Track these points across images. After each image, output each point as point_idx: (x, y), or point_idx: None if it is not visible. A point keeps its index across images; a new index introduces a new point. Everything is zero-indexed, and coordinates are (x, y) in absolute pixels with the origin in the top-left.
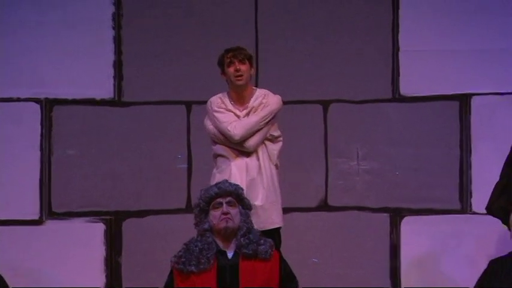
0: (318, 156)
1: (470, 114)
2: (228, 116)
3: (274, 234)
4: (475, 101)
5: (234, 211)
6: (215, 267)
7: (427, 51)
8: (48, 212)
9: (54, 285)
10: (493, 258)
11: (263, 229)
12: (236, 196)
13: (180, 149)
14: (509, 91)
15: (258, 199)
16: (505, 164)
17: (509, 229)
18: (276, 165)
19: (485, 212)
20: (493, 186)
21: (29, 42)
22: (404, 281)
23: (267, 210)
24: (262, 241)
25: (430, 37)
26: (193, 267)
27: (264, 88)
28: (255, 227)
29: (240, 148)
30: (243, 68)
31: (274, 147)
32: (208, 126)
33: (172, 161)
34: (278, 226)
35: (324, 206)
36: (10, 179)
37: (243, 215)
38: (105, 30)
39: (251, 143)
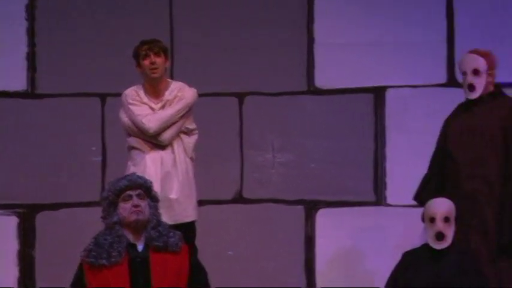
0: (233, 149)
1: (384, 106)
2: (142, 108)
3: (189, 228)
4: (389, 94)
5: (144, 204)
6: (126, 261)
7: (342, 44)
8: None
9: None
10: (407, 250)
11: (178, 222)
12: (145, 189)
13: (95, 142)
14: (423, 84)
15: (172, 192)
16: (432, 155)
17: (423, 221)
18: (191, 158)
19: (400, 203)
20: (410, 178)
21: None
22: (319, 272)
23: (181, 204)
24: (171, 234)
25: (345, 30)
26: (104, 261)
27: (180, 81)
28: (170, 220)
29: (154, 141)
30: (158, 60)
31: (190, 140)
32: (123, 119)
33: (87, 154)
34: (193, 219)
35: (239, 199)
36: None
37: (152, 207)
38: (18, 22)
39: (166, 136)
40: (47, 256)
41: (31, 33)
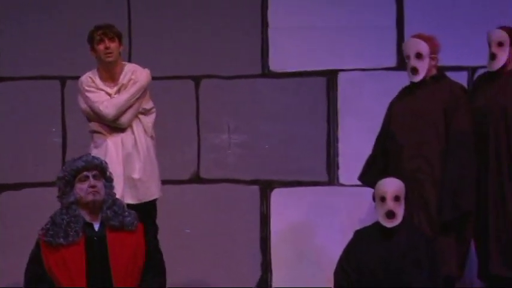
0: (190, 131)
1: (337, 89)
2: (99, 95)
3: (152, 206)
4: (341, 77)
5: (100, 184)
6: (83, 240)
7: (295, 28)
8: None
9: None
10: (358, 228)
11: (142, 201)
12: (101, 169)
13: (55, 124)
14: (374, 67)
15: (135, 172)
16: (377, 137)
17: (374, 200)
18: (152, 137)
19: (351, 183)
20: (362, 159)
21: None
22: (273, 249)
23: (145, 183)
24: (127, 213)
25: (298, 15)
26: (61, 240)
27: (137, 64)
28: (135, 199)
29: (114, 125)
30: (113, 45)
31: (148, 120)
32: (81, 105)
33: (47, 135)
34: (157, 197)
35: (196, 179)
36: None
37: (107, 187)
38: None
39: (124, 119)
40: (8, 234)
41: None
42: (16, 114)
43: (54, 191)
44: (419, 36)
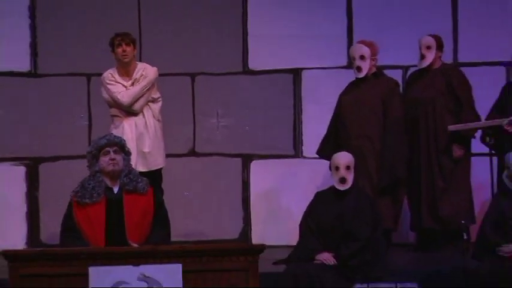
0: (188, 116)
1: (301, 83)
2: (117, 87)
3: (158, 173)
4: (304, 74)
5: (119, 157)
6: (104, 200)
7: (269, 35)
8: None
9: None
10: (318, 191)
11: (151, 169)
12: (120, 146)
13: (83, 110)
14: (329, 66)
15: (145, 147)
16: (330, 120)
17: (330, 169)
18: (159, 120)
19: (313, 156)
20: (320, 137)
21: None
22: (252, 207)
23: (153, 155)
24: (140, 180)
25: (271, 25)
26: (87, 200)
27: (147, 62)
28: (145, 168)
29: (129, 110)
30: (128, 49)
31: (156, 106)
32: (104, 96)
33: (77, 119)
34: (161, 166)
35: (192, 153)
36: None
37: (125, 160)
38: (23, 19)
39: (137, 106)
40: (47, 197)
41: (33, 27)
42: (52, 103)
43: (81, 162)
44: (362, 42)
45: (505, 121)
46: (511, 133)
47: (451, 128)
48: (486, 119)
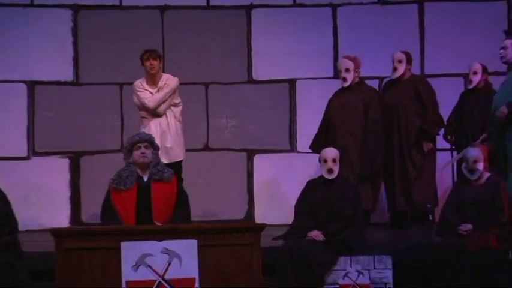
0: (202, 117)
1: (295, 91)
2: (145, 93)
3: (179, 165)
4: (298, 83)
5: (149, 151)
6: (136, 187)
7: (269, 51)
8: (31, 149)
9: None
10: (309, 179)
11: (172, 161)
12: (150, 142)
13: (116, 113)
14: (319, 76)
15: (167, 143)
16: (321, 121)
17: (320, 162)
18: (179, 121)
19: (305, 150)
20: (311, 135)
21: (21, 45)
22: (255, 193)
23: (174, 149)
24: (166, 170)
25: (271, 42)
26: (122, 186)
27: (169, 73)
28: (168, 160)
29: (154, 113)
30: (155, 63)
31: (177, 110)
32: (134, 100)
33: (112, 120)
34: (181, 159)
35: (206, 148)
36: (13, 132)
37: (154, 154)
38: (67, 38)
39: (161, 109)
40: (87, 184)
41: (75, 44)
42: (91, 107)
43: (114, 156)
44: (347, 57)
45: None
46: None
47: (443, 166)
48: (447, 120)
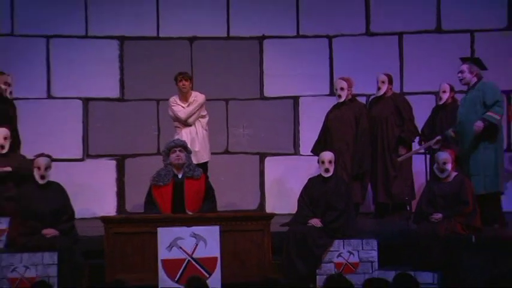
0: (223, 127)
1: (299, 106)
2: (178, 107)
3: (205, 165)
4: (301, 99)
5: (182, 154)
6: (172, 183)
7: (278, 73)
8: (85, 152)
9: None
10: (310, 177)
11: (200, 162)
12: (183, 146)
13: (154, 123)
14: (317, 94)
15: (196, 147)
16: (320, 130)
17: (318, 163)
18: (206, 130)
19: (307, 154)
20: (312, 141)
21: (78, 68)
22: (266, 188)
23: (201, 153)
24: (196, 169)
25: (279, 66)
26: (161, 183)
27: (197, 91)
28: (196, 161)
29: (185, 124)
30: (186, 83)
31: (204, 121)
32: (169, 113)
33: (151, 130)
34: (207, 160)
35: (226, 152)
36: (71, 139)
37: (186, 156)
38: (114, 63)
39: (190, 120)
40: (130, 181)
41: (121, 68)
42: (133, 119)
43: (152, 158)
44: (342, 78)
45: (432, 142)
46: (438, 148)
47: (400, 159)
48: (421, 130)
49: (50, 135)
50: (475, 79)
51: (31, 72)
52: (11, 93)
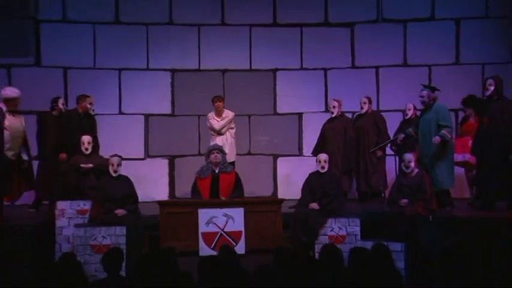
0: (246, 135)
1: (302, 120)
2: (214, 121)
3: (232, 163)
4: (305, 116)
5: (219, 155)
6: (211, 176)
7: (287, 94)
8: (146, 154)
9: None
10: (310, 172)
11: (230, 161)
12: (220, 150)
13: (196, 132)
14: (317, 111)
15: (226, 150)
16: (318, 137)
17: (316, 162)
18: (233, 137)
19: (308, 155)
20: (312, 145)
21: (140, 92)
22: (278, 180)
23: (230, 154)
24: (229, 166)
25: (288, 89)
26: (203, 176)
27: (228, 109)
28: (227, 160)
29: (219, 133)
30: (220, 103)
31: (232, 131)
32: (207, 125)
33: (194, 136)
34: (234, 160)
35: (248, 153)
36: (135, 144)
37: (222, 156)
38: (167, 88)
39: (223, 131)
40: (178, 174)
41: (172, 92)
42: (181, 130)
43: (195, 158)
44: (334, 99)
45: (399, 138)
46: (401, 143)
47: (371, 150)
48: (392, 137)
49: (121, 141)
50: (432, 101)
51: (107, 95)
52: (93, 110)
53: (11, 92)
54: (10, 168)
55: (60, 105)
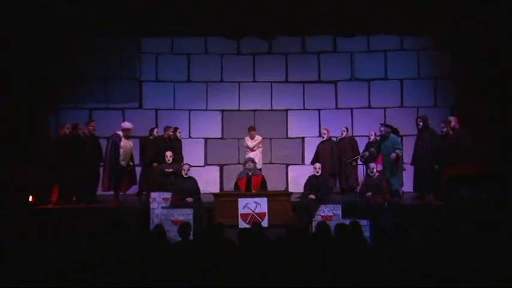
0: (268, 151)
1: (304, 142)
2: (249, 142)
3: (260, 170)
4: (306, 139)
5: (252, 164)
6: (246, 177)
7: (295, 123)
8: (205, 163)
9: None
10: (310, 175)
11: (258, 168)
12: (252, 160)
13: (236, 148)
14: (314, 136)
15: (256, 160)
16: (314, 154)
17: (313, 169)
18: (261, 152)
19: (309, 164)
20: (310, 157)
21: (203, 128)
22: (289, 181)
23: (258, 164)
24: (258, 171)
25: (296, 118)
26: (240, 177)
27: (258, 134)
28: (257, 167)
29: (252, 150)
30: (253, 132)
31: (260, 149)
32: (244, 145)
33: (235, 152)
34: (261, 167)
35: (270, 163)
36: (198, 156)
37: (254, 165)
38: (219, 121)
39: (254, 148)
40: (226, 177)
41: (222, 124)
42: (227, 149)
43: (236, 166)
44: (324, 128)
45: (365, 154)
46: (367, 157)
47: (349, 161)
48: (362, 153)
49: (190, 155)
50: (387, 134)
51: (182, 126)
52: (180, 135)
53: (127, 125)
54: (123, 172)
55: (155, 133)
